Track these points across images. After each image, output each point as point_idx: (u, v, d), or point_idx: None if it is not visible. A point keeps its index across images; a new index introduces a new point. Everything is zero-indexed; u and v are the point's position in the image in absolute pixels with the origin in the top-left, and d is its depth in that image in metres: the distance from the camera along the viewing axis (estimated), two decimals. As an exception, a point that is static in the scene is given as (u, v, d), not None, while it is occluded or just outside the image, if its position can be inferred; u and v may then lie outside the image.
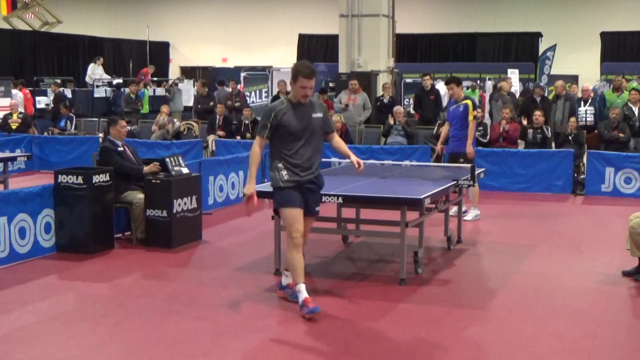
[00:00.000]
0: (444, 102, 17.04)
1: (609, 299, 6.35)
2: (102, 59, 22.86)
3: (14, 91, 17.46)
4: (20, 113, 16.01)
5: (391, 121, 13.74)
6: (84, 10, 29.83)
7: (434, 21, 26.61)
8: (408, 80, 20.13)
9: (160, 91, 21.63)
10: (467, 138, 9.43)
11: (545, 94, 15.42)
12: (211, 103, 16.51)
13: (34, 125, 16.83)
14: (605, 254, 7.91)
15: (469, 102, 9.53)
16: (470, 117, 9.43)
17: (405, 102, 18.78)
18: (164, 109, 15.73)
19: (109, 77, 22.98)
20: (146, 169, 8.30)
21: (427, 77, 14.83)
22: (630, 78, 17.46)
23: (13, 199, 7.34)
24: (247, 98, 20.60)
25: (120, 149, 8.46)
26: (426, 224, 7.32)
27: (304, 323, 5.68)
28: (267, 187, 7.66)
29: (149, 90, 20.65)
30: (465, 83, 21.45)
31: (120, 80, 22.00)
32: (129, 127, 14.54)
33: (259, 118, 15.11)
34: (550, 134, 12.82)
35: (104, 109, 19.55)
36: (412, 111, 15.95)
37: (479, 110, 10.54)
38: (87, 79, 22.28)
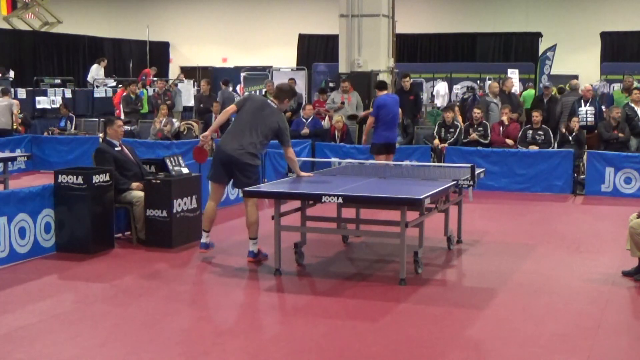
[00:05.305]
0: (440, 102, 17.02)
1: (609, 299, 6.35)
2: (105, 60, 22.79)
3: None
4: (20, 113, 15.98)
5: None
6: (84, 10, 29.78)
7: (434, 21, 26.58)
8: (408, 80, 20.04)
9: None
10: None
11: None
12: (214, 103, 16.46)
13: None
14: (605, 254, 7.92)
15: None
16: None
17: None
18: (163, 109, 15.69)
19: (109, 79, 22.91)
20: (133, 185, 8.28)
21: (407, 78, 14.69)
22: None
23: (13, 199, 7.35)
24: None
25: (118, 148, 8.44)
26: (426, 224, 7.32)
27: (303, 323, 5.68)
28: (268, 187, 7.67)
29: (149, 91, 20.61)
30: (465, 83, 21.46)
31: (113, 83, 21.92)
32: (128, 127, 14.57)
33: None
34: (550, 135, 12.80)
35: (104, 109, 19.50)
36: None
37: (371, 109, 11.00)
38: (89, 78, 22.23)
